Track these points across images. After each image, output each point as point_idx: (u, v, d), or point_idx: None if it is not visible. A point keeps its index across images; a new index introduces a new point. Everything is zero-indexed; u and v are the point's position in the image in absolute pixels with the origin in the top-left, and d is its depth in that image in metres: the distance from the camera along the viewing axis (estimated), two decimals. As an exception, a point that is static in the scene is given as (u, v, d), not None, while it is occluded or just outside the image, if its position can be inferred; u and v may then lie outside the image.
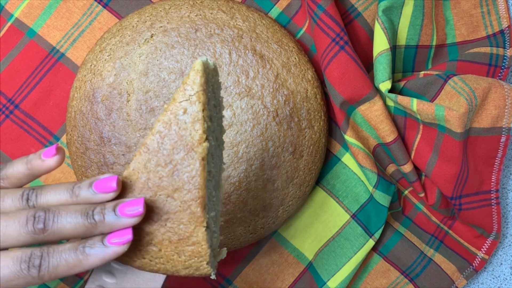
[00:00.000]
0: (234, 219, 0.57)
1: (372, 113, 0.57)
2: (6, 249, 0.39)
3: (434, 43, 0.59)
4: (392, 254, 0.62)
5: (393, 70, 0.59)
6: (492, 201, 0.58)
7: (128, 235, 0.38)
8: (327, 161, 0.62)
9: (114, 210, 0.38)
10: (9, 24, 0.59)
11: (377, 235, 0.60)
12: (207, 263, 0.40)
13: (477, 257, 0.61)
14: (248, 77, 0.56)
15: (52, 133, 0.60)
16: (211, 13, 0.56)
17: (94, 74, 0.56)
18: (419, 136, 0.58)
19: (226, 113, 0.55)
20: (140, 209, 0.38)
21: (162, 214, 0.39)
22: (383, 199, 0.59)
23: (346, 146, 0.61)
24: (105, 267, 0.47)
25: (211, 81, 0.40)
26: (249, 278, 0.62)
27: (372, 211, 0.60)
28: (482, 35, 0.59)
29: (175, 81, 0.55)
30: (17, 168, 0.42)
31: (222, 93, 0.55)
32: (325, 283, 0.61)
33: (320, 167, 0.60)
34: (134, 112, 0.56)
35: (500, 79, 0.59)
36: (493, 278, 0.64)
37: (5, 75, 0.59)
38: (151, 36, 0.56)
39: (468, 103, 0.52)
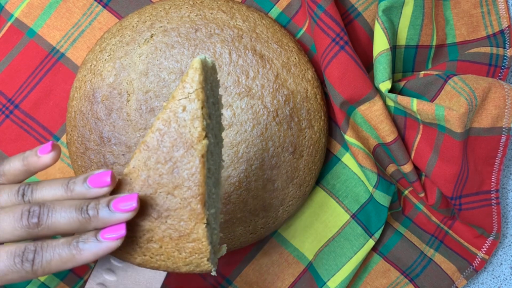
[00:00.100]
0: (234, 219, 0.57)
1: (372, 113, 0.57)
2: (1, 244, 0.40)
3: (434, 43, 0.59)
4: (392, 254, 0.62)
5: (393, 70, 0.59)
6: (492, 201, 0.58)
7: (122, 230, 0.38)
8: (327, 161, 0.62)
9: (108, 205, 0.39)
10: (9, 24, 0.59)
11: (377, 235, 0.60)
12: (207, 260, 0.40)
13: (477, 257, 0.61)
14: (248, 77, 0.56)
15: (52, 133, 0.60)
16: (211, 13, 0.56)
17: (94, 74, 0.56)
18: (419, 136, 0.58)
19: (226, 113, 0.55)
20: (134, 204, 0.38)
21: (162, 211, 0.39)
22: (383, 199, 0.59)
23: (346, 146, 0.61)
24: (106, 265, 0.47)
25: (209, 79, 0.40)
26: (249, 278, 0.62)
27: (372, 211, 0.60)
28: (482, 35, 0.59)
29: (175, 81, 0.55)
30: (14, 165, 0.43)
31: (222, 93, 0.55)
32: (325, 283, 0.61)
33: (320, 167, 0.60)
34: (134, 112, 0.56)
35: (500, 79, 0.59)
36: (493, 278, 0.64)
37: (5, 75, 0.59)
38: (151, 36, 0.56)
39: (468, 103, 0.52)
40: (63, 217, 0.38)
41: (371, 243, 0.60)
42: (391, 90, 0.58)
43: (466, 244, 0.62)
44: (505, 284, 0.64)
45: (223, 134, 0.55)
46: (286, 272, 0.62)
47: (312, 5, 0.56)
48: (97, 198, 0.40)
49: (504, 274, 0.64)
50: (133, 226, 0.40)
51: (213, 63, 0.41)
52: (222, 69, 0.56)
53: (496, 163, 0.56)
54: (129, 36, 0.56)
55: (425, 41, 0.58)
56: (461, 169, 0.55)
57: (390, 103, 0.58)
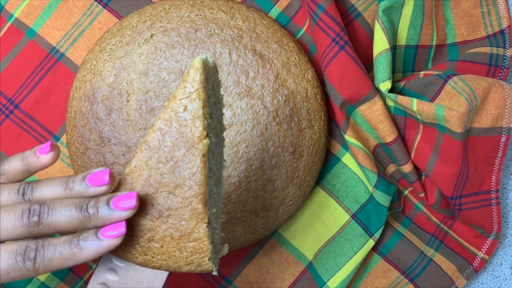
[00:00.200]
0: (234, 219, 0.57)
1: (372, 113, 0.57)
2: (2, 242, 0.40)
3: (434, 43, 0.59)
4: (392, 254, 0.62)
5: (393, 70, 0.59)
6: (492, 201, 0.58)
7: (122, 228, 0.39)
8: (327, 161, 0.62)
9: (107, 203, 0.39)
10: (9, 24, 0.59)
11: (377, 235, 0.60)
12: (208, 259, 0.40)
13: (477, 257, 0.61)
14: (248, 77, 0.56)
15: (52, 133, 0.60)
16: (211, 13, 0.56)
17: (94, 74, 0.56)
18: (419, 136, 0.58)
19: (226, 113, 0.55)
20: (133, 202, 0.38)
21: (163, 211, 0.39)
22: (383, 199, 0.59)
23: (346, 146, 0.61)
24: (108, 265, 0.47)
25: (210, 78, 0.40)
26: (249, 278, 0.62)
27: (372, 211, 0.60)
28: (482, 35, 0.59)
29: (175, 81, 0.55)
30: (13, 164, 0.43)
31: (222, 93, 0.55)
32: (325, 283, 0.61)
33: (320, 167, 0.60)
34: (134, 112, 0.56)
35: (500, 79, 0.59)
36: (493, 278, 0.64)
37: (5, 75, 0.59)
38: (151, 36, 0.56)
39: (468, 103, 0.52)
40: (63, 216, 0.39)
41: (371, 243, 0.60)
42: (391, 90, 0.58)
43: (466, 244, 0.62)
44: (505, 284, 0.64)
45: (223, 133, 0.55)
46: (286, 272, 0.62)
47: (312, 5, 0.56)
48: (97, 196, 0.40)
49: (504, 274, 0.64)
50: (134, 225, 0.40)
51: (214, 63, 0.41)
52: (222, 69, 0.56)
53: (496, 163, 0.56)
54: (129, 36, 0.56)
55: (425, 41, 0.58)
56: (461, 169, 0.55)
57: (390, 103, 0.58)
